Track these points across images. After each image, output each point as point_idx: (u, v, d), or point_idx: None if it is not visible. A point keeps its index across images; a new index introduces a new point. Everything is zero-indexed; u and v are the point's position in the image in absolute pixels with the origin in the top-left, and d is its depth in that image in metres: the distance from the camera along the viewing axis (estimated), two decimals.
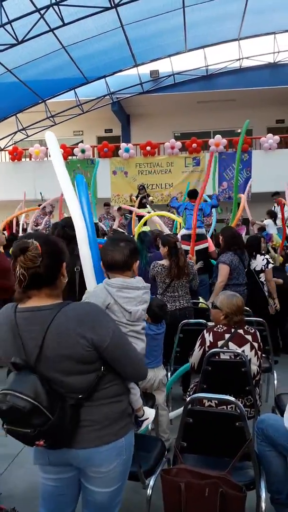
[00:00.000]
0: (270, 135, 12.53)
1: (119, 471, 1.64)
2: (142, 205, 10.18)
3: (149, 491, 2.15)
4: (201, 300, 4.88)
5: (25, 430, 1.41)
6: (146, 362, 3.04)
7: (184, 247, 6.15)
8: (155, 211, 8.08)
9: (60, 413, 1.45)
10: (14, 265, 1.49)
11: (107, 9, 8.84)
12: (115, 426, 1.61)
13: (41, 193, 11.47)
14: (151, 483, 2.18)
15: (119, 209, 9.66)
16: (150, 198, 10.54)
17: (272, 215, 8.87)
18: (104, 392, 1.58)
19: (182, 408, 3.33)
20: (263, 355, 3.75)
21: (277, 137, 12.40)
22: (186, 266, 3.97)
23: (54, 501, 1.70)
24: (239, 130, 14.56)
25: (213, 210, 7.30)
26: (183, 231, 6.47)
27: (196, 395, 2.31)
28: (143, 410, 1.92)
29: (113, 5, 8.74)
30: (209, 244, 6.01)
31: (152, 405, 3.04)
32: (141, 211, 9.96)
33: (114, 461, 1.61)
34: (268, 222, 8.62)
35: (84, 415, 1.55)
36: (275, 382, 3.68)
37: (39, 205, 9.53)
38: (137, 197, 10.46)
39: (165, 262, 4.03)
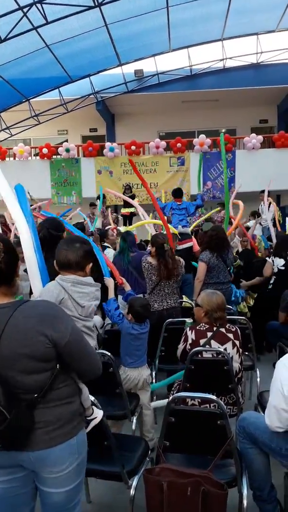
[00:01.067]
0: (253, 135, 12.66)
1: (73, 470, 1.63)
2: (127, 204, 10.19)
3: (132, 491, 2.15)
4: (185, 299, 4.91)
5: None
6: (129, 362, 3.08)
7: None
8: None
9: (16, 412, 1.44)
10: None
11: (90, 8, 8.79)
12: (68, 426, 1.61)
13: (28, 192, 11.31)
14: (134, 483, 2.18)
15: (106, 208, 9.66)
16: (136, 199, 10.52)
17: (256, 216, 8.96)
18: (58, 393, 1.58)
19: (164, 400, 3.37)
20: (246, 353, 3.81)
21: (260, 137, 12.53)
22: (175, 268, 3.96)
23: (10, 503, 1.66)
24: (223, 130, 14.69)
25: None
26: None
27: (178, 394, 2.33)
28: (92, 409, 1.94)
29: (96, 4, 8.71)
30: (194, 243, 6.05)
31: (136, 405, 3.05)
32: (126, 210, 9.98)
33: (67, 460, 1.60)
34: (252, 223, 8.70)
35: (37, 417, 1.54)
36: (258, 379, 3.72)
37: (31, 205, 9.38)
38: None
39: (153, 260, 4.04)
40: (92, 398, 2.10)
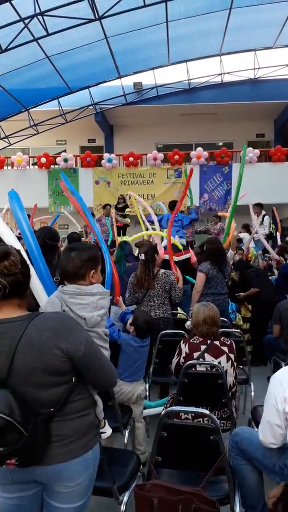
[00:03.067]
0: (250, 148, 12.76)
1: (85, 485, 1.61)
2: (122, 215, 10.22)
3: (123, 507, 2.11)
4: (179, 310, 4.89)
5: None
6: (125, 375, 3.02)
7: (167, 257, 6.21)
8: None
9: (33, 429, 1.40)
10: None
11: (91, 21, 8.90)
12: (84, 439, 1.58)
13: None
14: (125, 499, 2.14)
15: (98, 220, 9.66)
16: (127, 209, 10.53)
17: (248, 229, 9.02)
18: (74, 406, 1.55)
19: (156, 409, 3.33)
20: (241, 366, 3.79)
21: (257, 151, 12.63)
22: (145, 277, 3.93)
23: None
24: (220, 143, 14.84)
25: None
26: (166, 242, 6.49)
27: (170, 408, 2.30)
28: (104, 423, 1.92)
29: (97, 17, 8.82)
30: (191, 255, 6.04)
31: (129, 418, 3.01)
32: (121, 220, 9.98)
33: (82, 475, 1.58)
34: (244, 235, 8.75)
35: (54, 431, 1.51)
36: (252, 394, 3.69)
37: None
38: (115, 207, 10.47)
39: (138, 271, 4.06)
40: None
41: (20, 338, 1.42)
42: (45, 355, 1.43)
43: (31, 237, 2.14)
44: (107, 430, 1.94)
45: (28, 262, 2.01)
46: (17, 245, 2.05)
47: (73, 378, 1.52)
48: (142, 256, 3.97)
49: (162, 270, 4.08)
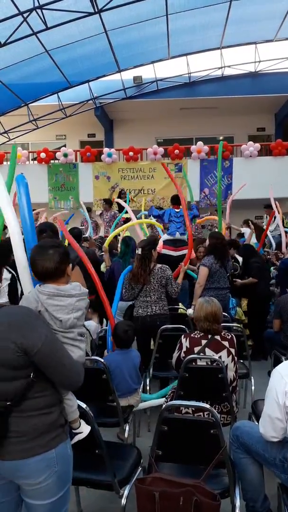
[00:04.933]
0: (251, 142, 12.72)
1: (53, 483, 1.59)
2: (122, 209, 10.19)
3: (123, 501, 2.12)
4: (180, 305, 4.90)
5: None
6: (119, 393, 2.94)
7: (166, 251, 6.21)
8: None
9: None
10: None
11: (90, 14, 8.83)
12: (45, 438, 1.57)
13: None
14: (126, 492, 2.15)
15: (101, 214, 9.65)
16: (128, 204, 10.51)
17: (249, 224, 9.00)
18: (34, 403, 1.55)
19: (154, 400, 3.34)
20: (241, 360, 3.80)
21: (257, 145, 12.58)
22: (141, 272, 3.92)
23: None
24: (221, 138, 14.77)
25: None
26: (166, 236, 6.50)
27: (171, 402, 2.30)
28: (79, 423, 1.89)
29: (96, 10, 8.75)
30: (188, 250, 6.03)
31: (129, 413, 3.02)
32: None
33: (44, 473, 1.56)
34: (245, 230, 8.74)
35: (12, 426, 1.51)
36: (252, 388, 3.70)
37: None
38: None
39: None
40: (84, 406, 2.08)
41: None
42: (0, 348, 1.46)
43: (31, 226, 2.13)
44: (84, 430, 1.90)
45: (21, 250, 2.00)
46: (17, 230, 2.06)
47: (31, 374, 1.52)
48: (139, 251, 3.96)
49: (158, 265, 4.05)
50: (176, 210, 6.78)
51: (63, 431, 1.66)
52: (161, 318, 3.97)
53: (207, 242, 4.93)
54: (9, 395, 1.49)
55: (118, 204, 10.14)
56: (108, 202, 9.72)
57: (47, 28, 8.91)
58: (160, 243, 6.08)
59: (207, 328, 2.86)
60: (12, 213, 2.10)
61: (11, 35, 8.74)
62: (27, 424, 1.53)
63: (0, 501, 1.62)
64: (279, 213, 7.63)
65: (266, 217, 9.58)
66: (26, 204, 2.15)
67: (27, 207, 2.14)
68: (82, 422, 1.92)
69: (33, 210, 8.72)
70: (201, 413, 2.54)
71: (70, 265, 1.81)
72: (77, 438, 1.87)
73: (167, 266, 4.13)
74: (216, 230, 6.60)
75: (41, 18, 8.52)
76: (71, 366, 1.64)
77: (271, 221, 8.19)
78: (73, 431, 1.86)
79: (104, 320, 4.74)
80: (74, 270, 2.21)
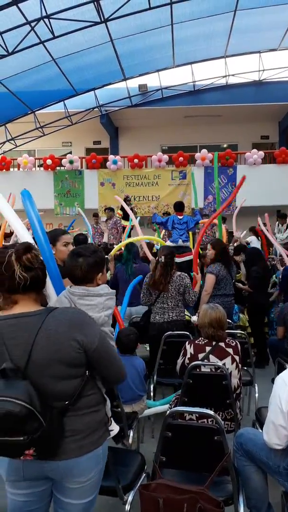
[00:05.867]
0: (254, 150, 12.77)
1: (95, 481, 1.65)
2: (126, 216, 10.24)
3: (127, 507, 2.13)
4: (186, 312, 4.90)
5: (17, 438, 1.37)
6: (123, 400, 2.96)
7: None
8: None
9: (50, 420, 1.44)
10: (9, 266, 1.47)
11: (97, 23, 8.95)
12: (95, 435, 1.62)
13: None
14: (130, 498, 2.16)
15: (107, 220, 9.71)
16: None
17: (255, 232, 9.01)
18: (87, 401, 1.59)
19: (159, 407, 3.34)
20: (245, 368, 3.79)
21: (261, 153, 12.64)
22: (162, 281, 3.93)
23: None
24: (225, 145, 14.85)
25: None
26: (168, 243, 6.53)
27: (175, 408, 2.31)
28: (111, 421, 1.93)
29: (102, 20, 8.87)
30: (194, 257, 6.06)
31: (134, 419, 3.03)
32: (125, 223, 10.04)
33: (93, 470, 1.61)
34: (251, 238, 8.75)
35: (67, 426, 1.55)
36: (256, 395, 3.70)
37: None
38: (121, 209, 10.50)
39: (151, 272, 4.07)
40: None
41: (38, 331, 1.47)
42: (61, 347, 1.48)
43: (43, 236, 2.18)
44: (115, 427, 1.96)
45: None
46: (26, 235, 2.11)
47: (86, 371, 1.57)
48: (162, 259, 3.95)
49: (177, 273, 4.05)
50: (179, 217, 6.83)
51: (107, 428, 1.73)
52: (178, 324, 3.98)
53: (209, 249, 4.93)
54: (67, 395, 1.53)
55: (122, 211, 10.20)
56: (111, 210, 9.82)
57: (54, 37, 9.04)
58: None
59: (212, 334, 2.87)
60: (22, 226, 2.13)
61: (18, 44, 8.87)
62: (82, 422, 1.58)
63: (36, 506, 1.64)
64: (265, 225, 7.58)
65: (278, 224, 9.59)
66: (35, 216, 2.19)
67: (36, 219, 2.18)
68: (112, 420, 1.95)
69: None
70: (205, 420, 2.55)
71: (100, 274, 1.90)
72: (110, 434, 1.90)
73: (186, 274, 4.14)
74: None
75: (48, 27, 8.65)
76: (119, 361, 1.71)
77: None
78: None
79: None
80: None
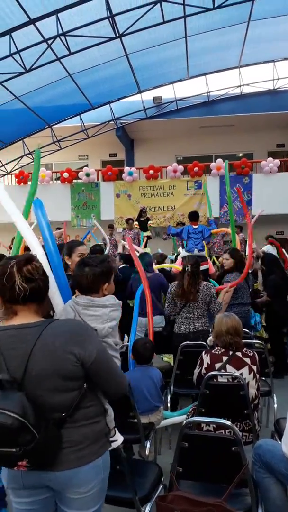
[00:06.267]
0: (270, 159, 12.71)
1: (97, 491, 1.63)
2: (143, 227, 10.32)
3: None
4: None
5: (10, 449, 1.38)
6: (140, 411, 2.95)
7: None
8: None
9: (44, 431, 1.44)
10: (10, 277, 1.48)
11: (112, 39, 9.14)
12: (94, 446, 1.61)
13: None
14: (147, 510, 2.14)
15: (127, 230, 9.82)
16: (150, 222, 10.68)
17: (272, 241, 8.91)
18: (85, 412, 1.59)
19: (176, 418, 3.30)
20: (263, 378, 3.74)
21: (277, 161, 12.57)
22: (192, 290, 3.91)
23: None
24: (240, 154, 14.82)
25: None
26: (184, 253, 6.52)
27: (191, 418, 2.29)
28: (115, 431, 1.91)
29: (117, 35, 9.04)
30: (210, 266, 6.04)
31: (150, 429, 3.01)
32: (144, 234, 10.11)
33: (93, 481, 1.60)
34: (267, 247, 8.66)
35: (65, 437, 1.54)
36: (275, 406, 3.63)
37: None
38: (137, 220, 10.58)
39: (177, 282, 4.07)
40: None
41: (36, 342, 1.48)
42: (58, 360, 1.48)
43: (53, 245, 2.21)
44: (118, 438, 1.93)
45: (49, 269, 2.07)
46: (41, 252, 2.11)
47: (85, 384, 1.56)
48: (189, 268, 3.94)
49: (204, 282, 4.05)
50: (194, 226, 6.82)
51: (107, 439, 1.71)
52: (204, 334, 3.95)
53: (224, 257, 4.90)
54: (64, 407, 1.53)
55: (139, 223, 10.30)
56: (132, 221, 9.98)
57: (70, 53, 9.26)
58: (179, 259, 6.10)
59: (229, 341, 2.85)
60: (33, 237, 2.13)
61: (36, 61, 9.12)
62: (80, 433, 1.58)
63: None
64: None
65: None
66: (46, 226, 2.23)
67: (47, 229, 2.22)
68: (116, 430, 1.94)
69: (59, 228, 8.94)
70: (223, 431, 2.52)
71: (106, 284, 1.88)
72: (113, 445, 1.89)
73: (212, 284, 4.13)
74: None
75: (64, 44, 8.87)
76: (119, 374, 1.71)
77: None
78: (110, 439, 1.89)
79: (126, 336, 4.76)
80: None
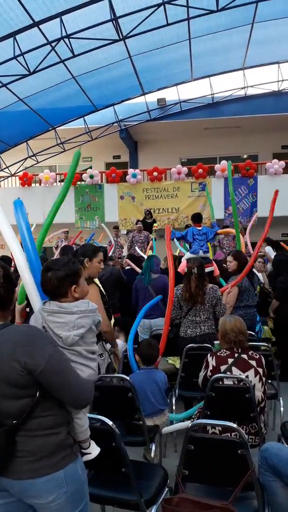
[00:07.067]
0: (275, 160, 12.69)
1: (63, 503, 1.57)
2: (149, 231, 10.33)
3: None
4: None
5: None
6: (145, 413, 2.92)
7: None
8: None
9: None
10: None
11: (115, 41, 9.15)
12: (53, 458, 1.56)
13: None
14: None
15: (137, 232, 9.84)
16: (155, 224, 10.70)
17: (269, 242, 8.83)
18: (39, 422, 1.54)
19: (180, 424, 3.29)
20: (270, 381, 3.71)
21: (282, 163, 12.54)
22: (199, 293, 3.89)
23: None
24: (245, 156, 14.79)
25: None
26: (188, 255, 6.50)
27: (197, 421, 2.28)
28: (89, 443, 1.86)
29: (121, 37, 9.06)
30: (214, 268, 6.02)
31: (156, 432, 2.99)
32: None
33: (53, 494, 1.55)
34: (268, 249, 8.59)
35: (19, 446, 1.52)
36: (282, 409, 3.60)
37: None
38: (142, 221, 10.58)
39: (183, 285, 4.04)
40: (110, 423, 2.08)
41: None
42: (4, 366, 1.46)
43: (32, 246, 2.19)
44: (93, 451, 1.85)
45: (27, 271, 2.03)
46: (21, 256, 2.07)
47: (37, 392, 1.52)
48: (195, 270, 3.91)
49: (209, 285, 4.03)
50: (198, 228, 6.81)
51: (72, 451, 1.64)
52: (210, 337, 3.93)
53: (231, 261, 4.87)
54: (15, 414, 1.50)
55: (144, 225, 10.31)
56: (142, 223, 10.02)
57: (74, 56, 9.28)
58: (183, 262, 6.09)
59: (234, 339, 2.84)
60: (14, 238, 2.08)
61: (40, 63, 9.15)
62: (34, 443, 1.53)
63: None
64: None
65: None
66: (25, 226, 2.21)
67: (26, 229, 2.20)
68: (93, 443, 1.88)
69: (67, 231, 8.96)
70: (228, 434, 2.50)
71: (74, 286, 1.78)
72: (84, 458, 1.81)
73: (217, 286, 4.11)
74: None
75: (68, 47, 8.90)
76: (77, 386, 1.61)
77: None
78: (82, 450, 1.81)
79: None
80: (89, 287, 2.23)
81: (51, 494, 1.54)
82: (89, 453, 1.85)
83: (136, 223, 10.30)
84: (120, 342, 4.08)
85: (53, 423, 1.58)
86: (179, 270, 5.88)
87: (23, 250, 2.14)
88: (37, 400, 1.51)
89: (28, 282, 2.03)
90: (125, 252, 8.58)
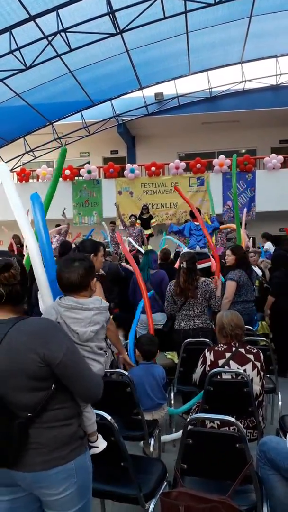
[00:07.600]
0: (273, 155, 12.66)
1: (73, 494, 1.59)
2: (145, 226, 10.30)
3: None
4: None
5: None
6: (143, 408, 2.93)
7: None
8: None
9: (6, 430, 1.44)
10: None
11: (112, 35, 9.09)
12: (64, 450, 1.57)
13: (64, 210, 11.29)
14: (151, 507, 2.14)
15: (129, 226, 9.78)
16: (153, 220, 10.66)
17: (269, 237, 8.84)
18: (54, 414, 1.56)
19: (180, 432, 3.30)
20: (268, 375, 3.72)
21: (280, 157, 12.52)
22: (188, 286, 3.91)
23: None
24: (243, 151, 14.76)
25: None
26: (186, 250, 6.49)
27: (195, 415, 2.28)
28: (97, 437, 1.88)
29: (118, 31, 9.00)
30: (212, 263, 6.02)
31: (154, 427, 3.00)
32: (145, 232, 10.11)
33: (63, 484, 1.57)
34: (268, 245, 8.60)
35: (32, 438, 1.52)
36: (280, 403, 3.62)
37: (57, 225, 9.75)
38: (139, 217, 10.55)
39: (175, 280, 4.06)
40: (109, 418, 2.09)
41: (2, 340, 1.47)
42: (22, 359, 1.47)
43: (46, 241, 2.18)
44: (100, 445, 1.89)
45: (40, 266, 2.03)
46: (35, 247, 2.08)
47: (53, 385, 1.53)
48: (184, 265, 3.92)
49: (202, 278, 4.04)
50: (196, 223, 6.79)
51: (82, 443, 1.67)
52: (204, 331, 3.94)
53: (229, 255, 4.87)
54: (30, 406, 1.51)
55: (140, 220, 10.28)
56: (135, 218, 9.94)
57: (71, 50, 9.22)
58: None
59: (231, 333, 2.85)
60: (30, 230, 2.10)
61: (36, 58, 9.09)
62: (47, 435, 1.55)
63: None
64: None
65: None
66: (41, 221, 2.20)
67: (42, 224, 2.20)
68: (100, 436, 1.91)
69: (58, 225, 8.91)
70: (227, 428, 2.51)
71: (95, 279, 1.84)
72: (91, 452, 1.84)
73: (210, 280, 4.12)
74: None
75: (65, 41, 8.84)
76: (91, 378, 1.65)
77: None
78: (89, 444, 1.84)
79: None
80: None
81: (62, 485, 1.57)
82: (97, 447, 1.88)
83: (130, 218, 10.26)
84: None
85: (66, 415, 1.60)
86: (176, 266, 5.88)
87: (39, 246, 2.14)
88: (52, 392, 1.53)
89: (40, 276, 2.04)
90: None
